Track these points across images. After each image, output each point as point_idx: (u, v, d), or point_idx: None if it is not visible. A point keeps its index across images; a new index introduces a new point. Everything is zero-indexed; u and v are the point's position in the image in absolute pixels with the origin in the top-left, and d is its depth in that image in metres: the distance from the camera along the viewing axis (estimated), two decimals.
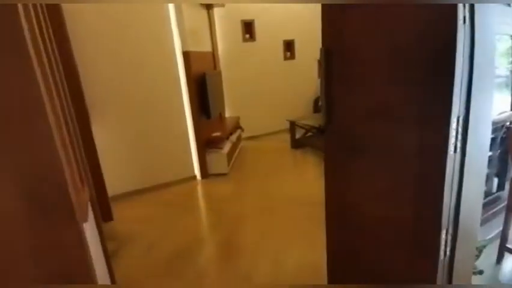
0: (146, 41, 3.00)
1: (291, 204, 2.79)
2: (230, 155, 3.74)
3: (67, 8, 2.29)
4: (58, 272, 0.74)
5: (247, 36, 4.70)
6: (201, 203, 3.14)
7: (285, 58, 5.09)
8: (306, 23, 4.90)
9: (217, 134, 3.63)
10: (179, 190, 3.26)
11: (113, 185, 2.98)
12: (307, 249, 2.11)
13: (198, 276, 1.93)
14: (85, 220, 0.97)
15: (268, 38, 4.85)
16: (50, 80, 0.89)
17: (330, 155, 1.40)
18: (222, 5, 4.25)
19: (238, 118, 4.70)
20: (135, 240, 2.40)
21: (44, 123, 0.68)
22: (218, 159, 3.53)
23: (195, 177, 3.50)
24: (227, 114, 4.80)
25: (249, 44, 4.74)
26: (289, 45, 5.06)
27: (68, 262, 0.74)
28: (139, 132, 3.11)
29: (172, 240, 2.36)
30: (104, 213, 2.59)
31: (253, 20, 4.65)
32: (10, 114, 0.64)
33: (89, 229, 1.23)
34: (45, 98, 0.69)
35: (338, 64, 1.22)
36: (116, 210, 2.80)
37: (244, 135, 4.83)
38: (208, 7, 4.12)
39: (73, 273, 0.76)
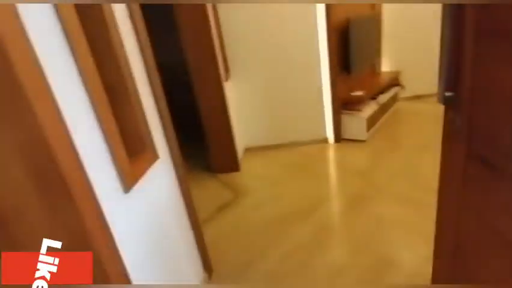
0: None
1: None
2: (373, 119, 3.16)
3: None
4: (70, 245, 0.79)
5: None
6: (328, 169, 2.90)
7: None
8: None
9: (358, 93, 3.10)
10: (308, 151, 3.10)
11: (246, 137, 3.18)
12: None
13: (286, 251, 1.82)
14: (129, 188, 1.00)
15: None
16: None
17: (456, 152, 0.86)
18: None
19: (397, 73, 3.85)
20: (250, 195, 2.52)
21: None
22: (355, 123, 3.07)
23: (326, 140, 3.22)
24: (384, 68, 4.02)
25: None
26: None
27: (74, 237, 0.78)
28: (273, 87, 3.07)
29: (285, 203, 2.32)
30: (230, 164, 2.82)
31: None
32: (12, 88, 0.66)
33: (165, 192, 1.31)
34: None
35: None
36: (244, 162, 3.00)
37: (403, 94, 3.96)
38: None
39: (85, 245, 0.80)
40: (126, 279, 0.93)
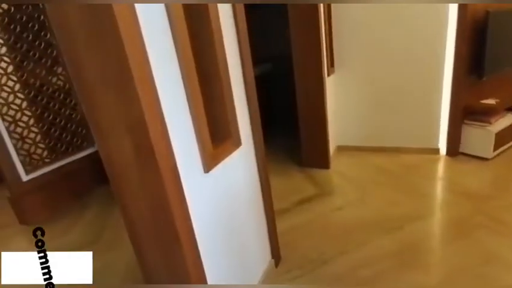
0: None
1: None
2: (504, 134, 2.57)
3: None
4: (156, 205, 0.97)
5: None
6: (431, 184, 2.53)
7: None
8: None
9: (490, 101, 2.55)
10: (410, 161, 2.77)
11: (341, 135, 3.05)
12: None
13: (361, 260, 1.72)
14: (209, 169, 1.14)
15: None
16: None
17: None
18: None
19: None
20: (335, 194, 2.46)
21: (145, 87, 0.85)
22: (480, 137, 2.57)
23: (437, 151, 2.79)
24: None
25: None
26: None
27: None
28: (380, 84, 2.81)
29: (371, 211, 2.17)
30: (320, 160, 2.78)
31: None
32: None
33: (243, 177, 1.42)
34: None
35: None
36: (335, 160, 2.90)
37: None
38: None
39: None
40: (196, 251, 1.08)
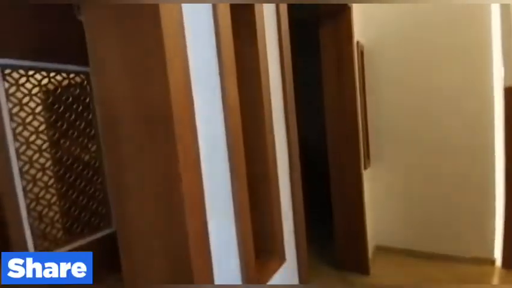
0: (451, 67, 2.45)
1: None
2: None
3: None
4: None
5: None
6: None
7: None
8: None
9: None
10: (459, 272, 2.39)
11: (379, 233, 2.76)
12: None
13: None
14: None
15: None
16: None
17: None
18: None
19: None
20: None
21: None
22: None
23: (492, 262, 2.42)
24: None
25: None
26: None
27: None
28: (421, 179, 2.62)
29: None
30: (359, 264, 2.45)
31: None
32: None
33: None
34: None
35: None
36: (375, 264, 2.55)
37: None
38: None
39: None
40: None
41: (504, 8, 2.24)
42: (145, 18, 0.65)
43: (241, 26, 1.00)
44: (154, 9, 0.63)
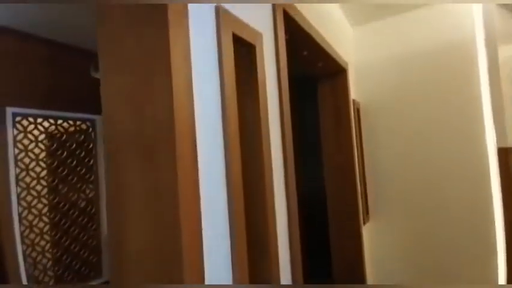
0: (444, 125, 2.53)
1: None
2: None
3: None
4: None
5: None
6: None
7: None
8: None
9: None
10: None
11: None
12: None
13: None
14: None
15: None
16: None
17: None
18: None
19: None
20: None
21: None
22: None
23: None
24: None
25: None
26: None
27: None
28: (422, 236, 2.56)
29: None
30: None
31: None
32: None
33: None
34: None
35: None
36: None
37: None
38: None
39: None
40: None
41: (492, 70, 2.39)
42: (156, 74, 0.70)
43: (243, 83, 1.06)
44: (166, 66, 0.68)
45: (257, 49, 1.05)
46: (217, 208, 0.86)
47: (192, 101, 0.76)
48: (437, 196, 2.52)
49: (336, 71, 2.47)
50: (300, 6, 1.58)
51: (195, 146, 0.76)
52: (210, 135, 0.85)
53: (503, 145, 2.31)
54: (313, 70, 2.46)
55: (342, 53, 2.44)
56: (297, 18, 1.46)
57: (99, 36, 0.81)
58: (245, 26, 1.01)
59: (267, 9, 1.22)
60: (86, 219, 2.52)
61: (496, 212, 2.35)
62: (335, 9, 2.43)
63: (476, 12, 2.45)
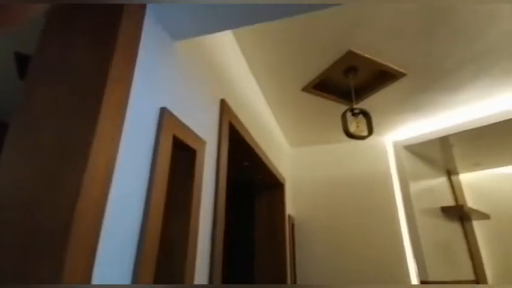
0: (368, 245, 2.58)
1: None
2: None
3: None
4: None
5: None
6: None
7: None
8: None
9: None
10: None
11: None
12: None
13: None
14: None
15: None
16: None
17: None
18: (486, 217, 3.26)
19: None
20: None
21: None
22: None
23: None
24: None
25: None
26: None
27: None
28: None
29: None
30: None
31: None
32: None
33: None
34: None
35: None
36: None
37: None
38: (462, 219, 3.26)
39: None
40: None
41: (407, 204, 2.67)
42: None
43: (179, 186, 0.98)
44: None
45: (198, 155, 1.03)
46: None
47: (106, 193, 0.65)
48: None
49: (274, 184, 2.55)
50: (246, 122, 1.70)
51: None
52: (121, 237, 0.71)
53: (424, 278, 2.41)
54: (253, 180, 2.51)
55: (281, 169, 2.58)
56: (241, 131, 1.54)
57: (19, 112, 0.72)
58: (189, 131, 1.01)
59: (214, 119, 1.28)
60: None
61: None
62: (277, 130, 2.69)
63: (389, 151, 2.90)
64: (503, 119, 2.32)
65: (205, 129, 1.17)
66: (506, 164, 3.34)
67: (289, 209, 2.73)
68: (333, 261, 2.65)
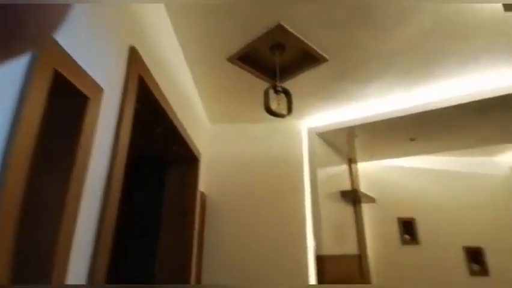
0: (275, 227, 2.69)
1: None
2: None
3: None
4: None
5: (407, 237, 3.76)
6: None
7: (472, 273, 3.59)
8: (498, 227, 3.58)
9: None
10: None
11: None
12: None
13: None
14: None
15: (439, 242, 3.71)
16: None
17: None
18: (372, 200, 3.76)
19: None
20: None
21: None
22: None
23: None
24: None
25: (411, 247, 3.71)
26: (475, 256, 3.64)
27: None
28: None
29: None
30: None
31: (414, 218, 3.79)
32: None
33: None
34: None
35: None
36: None
37: None
38: (355, 202, 3.70)
39: None
40: None
41: (313, 188, 2.86)
42: None
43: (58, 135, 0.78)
44: None
45: (90, 104, 0.84)
46: None
47: None
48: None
49: (189, 159, 2.41)
50: (161, 83, 1.50)
51: None
52: None
53: (320, 253, 2.63)
54: (165, 153, 2.32)
55: (197, 143, 2.45)
56: (154, 91, 1.36)
57: None
58: (80, 71, 0.80)
59: (120, 68, 1.07)
60: None
61: None
62: (197, 102, 2.53)
63: (304, 136, 3.05)
64: (394, 116, 2.64)
65: (106, 77, 0.97)
66: (394, 157, 3.88)
67: (202, 186, 2.64)
68: (241, 240, 2.67)
